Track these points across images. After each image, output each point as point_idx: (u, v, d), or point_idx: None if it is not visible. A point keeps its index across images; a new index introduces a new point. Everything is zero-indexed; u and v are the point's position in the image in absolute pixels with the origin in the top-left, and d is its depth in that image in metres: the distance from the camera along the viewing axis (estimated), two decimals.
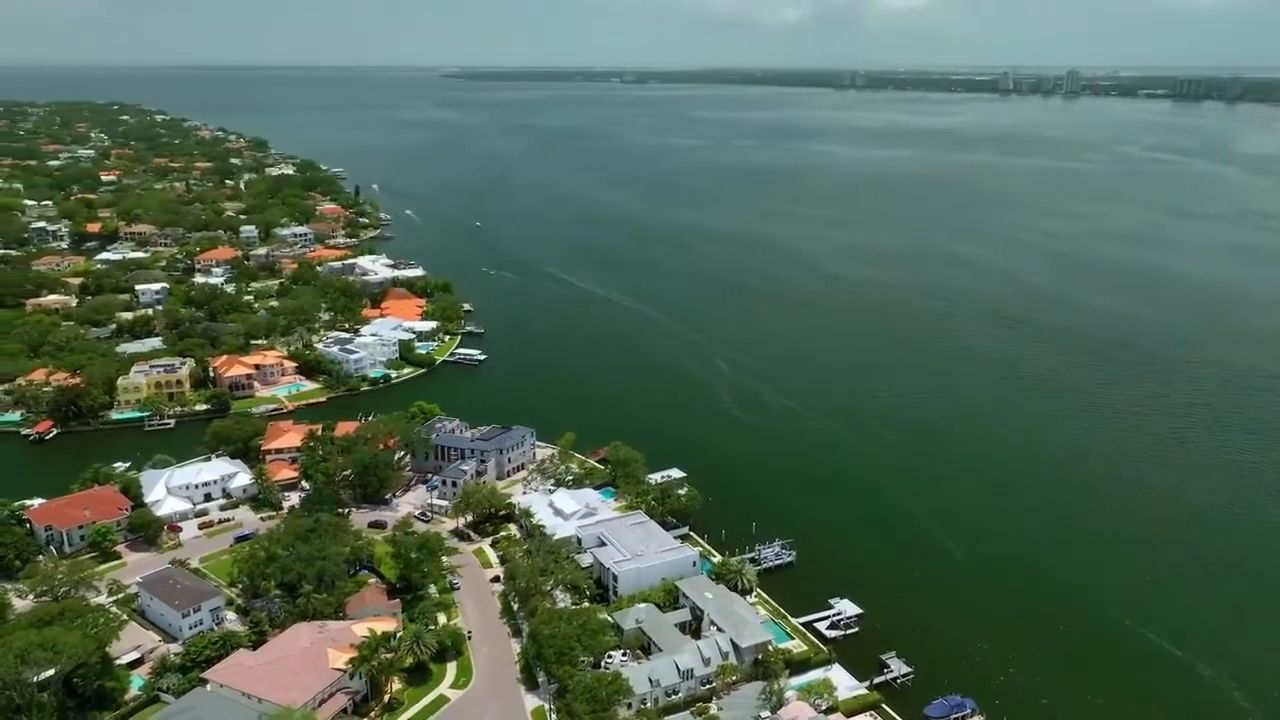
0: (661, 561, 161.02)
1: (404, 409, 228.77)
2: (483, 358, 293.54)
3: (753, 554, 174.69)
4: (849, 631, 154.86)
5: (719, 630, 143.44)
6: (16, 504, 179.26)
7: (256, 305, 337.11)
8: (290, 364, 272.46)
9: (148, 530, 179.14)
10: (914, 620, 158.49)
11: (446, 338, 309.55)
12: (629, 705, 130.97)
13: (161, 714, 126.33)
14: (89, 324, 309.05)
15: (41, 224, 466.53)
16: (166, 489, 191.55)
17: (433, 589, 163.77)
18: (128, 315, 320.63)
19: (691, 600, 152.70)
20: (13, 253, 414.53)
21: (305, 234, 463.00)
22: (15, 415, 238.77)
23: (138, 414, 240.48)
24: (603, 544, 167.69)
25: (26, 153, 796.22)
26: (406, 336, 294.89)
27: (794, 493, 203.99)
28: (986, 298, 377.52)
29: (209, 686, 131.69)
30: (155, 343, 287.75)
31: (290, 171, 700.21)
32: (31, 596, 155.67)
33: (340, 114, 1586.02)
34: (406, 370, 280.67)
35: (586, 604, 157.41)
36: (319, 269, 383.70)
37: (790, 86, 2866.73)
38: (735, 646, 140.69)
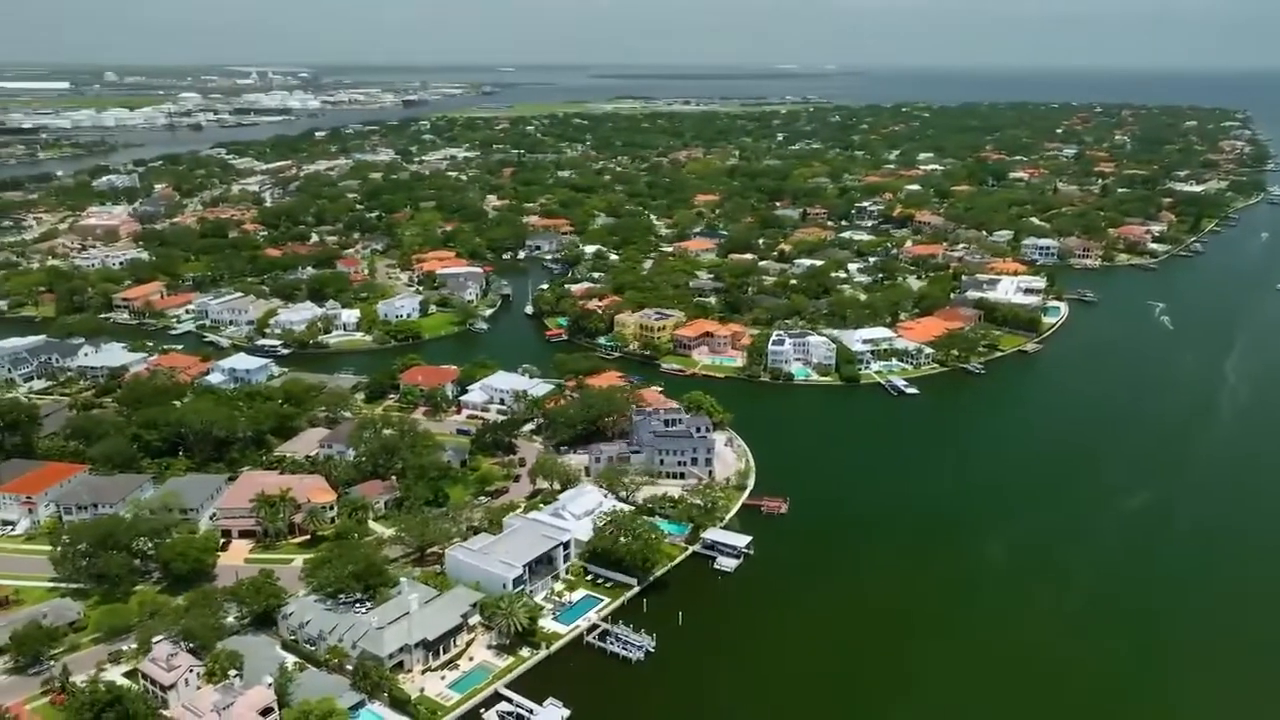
0: (480, 568, 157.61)
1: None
2: (913, 391, 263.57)
3: (608, 627, 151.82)
4: None
5: (372, 625, 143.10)
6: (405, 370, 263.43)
7: (850, 292, 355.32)
8: (747, 341, 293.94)
9: (434, 401, 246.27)
10: None
11: (932, 365, 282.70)
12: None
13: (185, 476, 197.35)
14: (720, 277, 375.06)
15: (865, 203, 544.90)
16: (481, 385, 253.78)
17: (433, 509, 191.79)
18: (767, 279, 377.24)
19: None
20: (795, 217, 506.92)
21: (1049, 247, 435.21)
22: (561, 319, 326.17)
23: (606, 342, 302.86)
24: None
25: (1021, 147, 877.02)
26: (863, 348, 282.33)
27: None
28: None
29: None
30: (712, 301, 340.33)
31: (1196, 189, 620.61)
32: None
33: None
34: (826, 379, 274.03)
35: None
36: (963, 277, 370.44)
37: None
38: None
